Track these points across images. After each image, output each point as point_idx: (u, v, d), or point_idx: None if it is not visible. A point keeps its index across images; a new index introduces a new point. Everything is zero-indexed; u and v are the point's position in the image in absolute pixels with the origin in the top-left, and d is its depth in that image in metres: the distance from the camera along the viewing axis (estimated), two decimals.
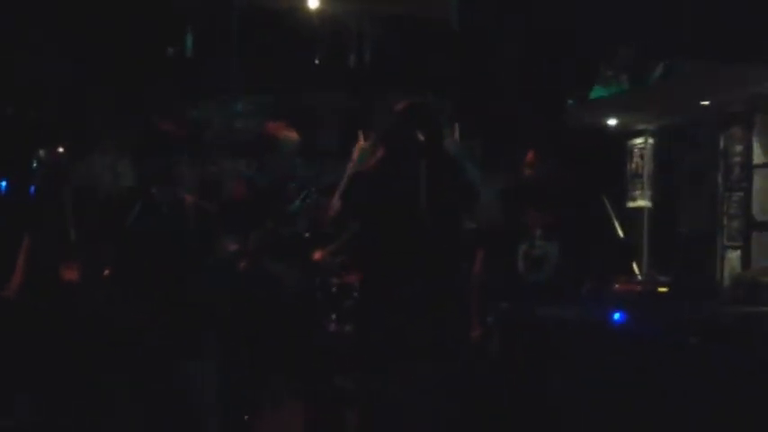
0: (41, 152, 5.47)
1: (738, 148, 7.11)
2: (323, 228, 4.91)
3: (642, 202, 7.96)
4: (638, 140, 8.11)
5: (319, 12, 6.85)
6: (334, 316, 5.50)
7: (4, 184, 5.92)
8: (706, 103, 6.98)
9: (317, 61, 6.91)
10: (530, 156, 4.96)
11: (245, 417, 4.74)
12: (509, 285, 4.68)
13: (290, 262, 4.68)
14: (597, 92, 7.46)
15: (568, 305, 4.54)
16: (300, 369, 4.76)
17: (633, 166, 8.13)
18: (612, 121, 7.80)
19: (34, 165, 5.47)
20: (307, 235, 4.75)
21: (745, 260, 6.93)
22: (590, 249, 4.91)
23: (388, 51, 7.08)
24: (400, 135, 4.27)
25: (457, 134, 4.50)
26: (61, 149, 5.48)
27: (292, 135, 4.77)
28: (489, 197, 5.22)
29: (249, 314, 4.58)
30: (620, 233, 6.31)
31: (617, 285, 5.74)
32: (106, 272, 4.34)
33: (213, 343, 4.37)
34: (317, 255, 4.95)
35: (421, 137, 4.31)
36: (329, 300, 5.51)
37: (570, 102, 7.61)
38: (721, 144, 7.25)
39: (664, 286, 5.93)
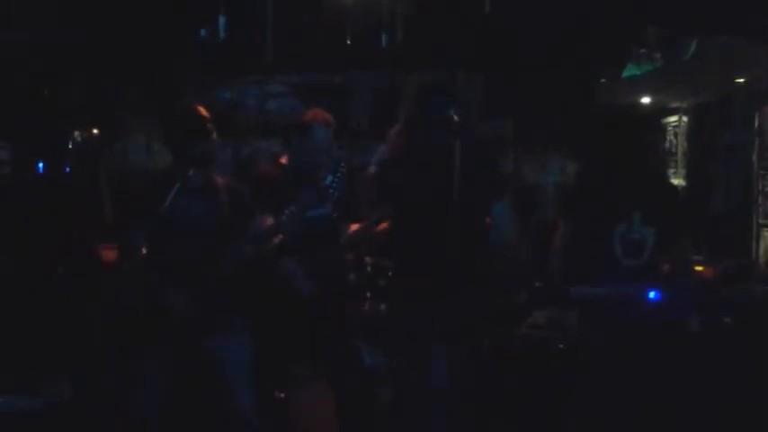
0: (77, 134, 5.55)
1: None
2: (356, 207, 4.94)
3: (676, 181, 7.91)
4: (672, 119, 8.06)
5: None
6: (368, 294, 5.54)
7: (41, 165, 5.99)
8: (741, 80, 6.91)
9: (348, 41, 6.88)
10: (608, 130, 4.82)
11: (278, 393, 4.80)
12: (605, 269, 4.51)
13: (321, 242, 4.70)
14: (630, 70, 7.40)
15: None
16: (332, 348, 4.80)
17: (667, 144, 8.09)
18: (646, 100, 7.74)
19: (70, 146, 5.55)
20: (335, 215, 4.77)
21: None
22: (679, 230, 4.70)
23: (419, 30, 7.05)
24: (428, 114, 4.25)
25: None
26: (96, 131, 5.55)
27: (329, 121, 4.79)
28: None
29: (280, 293, 4.62)
30: None
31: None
32: (143, 252, 4.40)
33: (245, 319, 4.42)
34: (353, 227, 4.97)
35: (452, 116, 4.31)
36: (364, 278, 5.55)
37: (602, 80, 7.57)
38: (756, 122, 7.18)
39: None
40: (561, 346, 4.91)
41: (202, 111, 4.41)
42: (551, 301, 5.19)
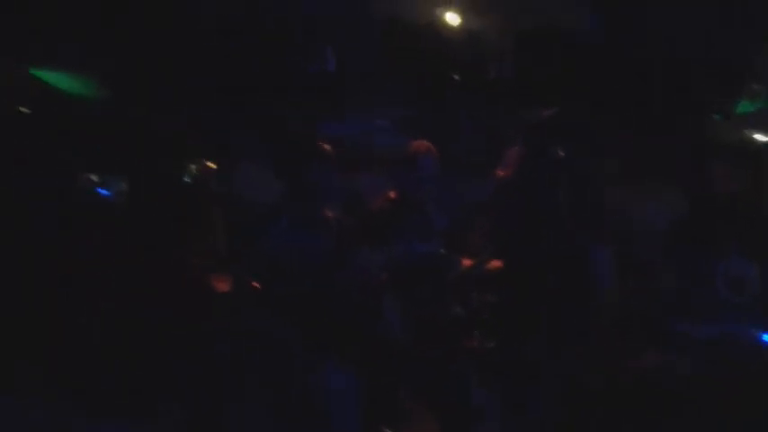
0: (192, 166, 5.70)
1: None
2: (469, 246, 4.92)
3: None
4: None
5: (458, 26, 6.87)
6: (477, 332, 5.50)
7: (156, 195, 6.14)
8: None
9: (455, 75, 6.92)
10: (721, 168, 4.74)
11: (384, 428, 4.80)
12: (708, 305, 4.48)
13: (427, 278, 4.70)
14: (744, 107, 7.24)
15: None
16: (439, 383, 4.78)
17: None
18: (759, 136, 7.55)
19: (185, 179, 5.70)
20: (443, 251, 4.77)
21: None
22: None
23: (527, 64, 7.04)
24: (538, 148, 4.23)
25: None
26: (211, 163, 5.69)
27: (433, 153, 4.80)
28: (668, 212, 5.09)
29: (385, 328, 4.64)
30: None
31: None
32: (253, 283, 4.48)
33: (351, 353, 4.45)
34: (465, 263, 4.95)
35: (560, 151, 4.28)
36: (472, 314, 5.52)
37: (716, 116, 7.41)
38: None
39: None
40: (672, 387, 4.80)
41: (318, 143, 4.48)
42: (662, 341, 5.08)
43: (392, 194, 4.91)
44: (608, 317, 4.16)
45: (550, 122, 4.34)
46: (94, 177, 5.93)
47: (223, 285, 4.83)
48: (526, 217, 4.21)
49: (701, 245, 4.52)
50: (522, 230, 4.23)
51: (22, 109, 5.85)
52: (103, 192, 5.93)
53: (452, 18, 6.81)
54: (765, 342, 4.34)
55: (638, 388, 4.76)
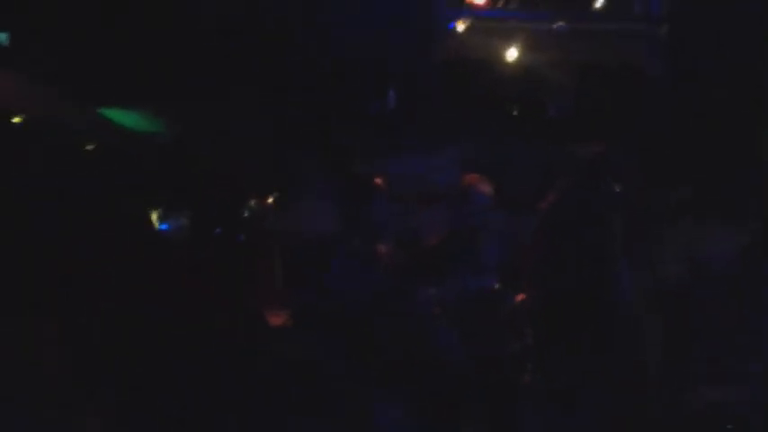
0: (252, 202, 5.80)
1: None
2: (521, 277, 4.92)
3: None
4: None
5: (517, 62, 6.90)
6: (530, 364, 5.47)
7: (218, 231, 6.26)
8: None
9: (515, 112, 6.94)
10: None
11: None
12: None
13: (481, 313, 4.71)
14: None
15: None
16: (495, 419, 4.77)
17: None
18: None
19: (245, 214, 5.81)
20: (497, 286, 4.77)
21: None
22: None
23: (586, 100, 7.03)
24: (588, 185, 4.22)
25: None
26: (270, 199, 5.78)
27: (487, 188, 4.82)
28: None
29: (438, 362, 4.64)
30: None
31: None
32: (309, 317, 4.54)
33: (404, 388, 4.46)
34: (519, 297, 4.94)
35: (616, 187, 4.27)
36: (526, 349, 5.49)
37: None
38: None
39: None
40: (730, 427, 4.72)
41: (375, 180, 4.54)
42: (719, 377, 5.00)
43: (447, 231, 4.94)
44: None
45: (602, 158, 4.33)
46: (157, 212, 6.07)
47: (278, 320, 4.90)
48: (566, 251, 4.20)
49: (758, 278, 4.45)
50: (562, 264, 4.22)
51: (90, 147, 6.02)
52: (164, 226, 6.06)
53: (511, 55, 6.85)
54: None
55: (694, 423, 4.70)
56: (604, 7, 6.90)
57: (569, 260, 4.09)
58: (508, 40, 6.89)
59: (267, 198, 5.81)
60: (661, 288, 4.62)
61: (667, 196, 6.74)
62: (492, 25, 6.93)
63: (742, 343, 4.53)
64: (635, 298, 4.04)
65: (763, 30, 6.14)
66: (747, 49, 6.36)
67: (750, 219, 5.74)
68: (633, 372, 4.11)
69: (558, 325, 4.33)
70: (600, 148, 4.52)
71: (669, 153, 6.70)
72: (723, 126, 6.72)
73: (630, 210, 4.37)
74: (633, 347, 4.01)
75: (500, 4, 7.01)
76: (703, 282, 6.22)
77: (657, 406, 4.74)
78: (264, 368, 4.95)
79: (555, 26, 6.86)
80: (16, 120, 5.73)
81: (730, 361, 4.57)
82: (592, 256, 4.01)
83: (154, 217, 6.03)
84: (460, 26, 6.95)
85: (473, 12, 6.95)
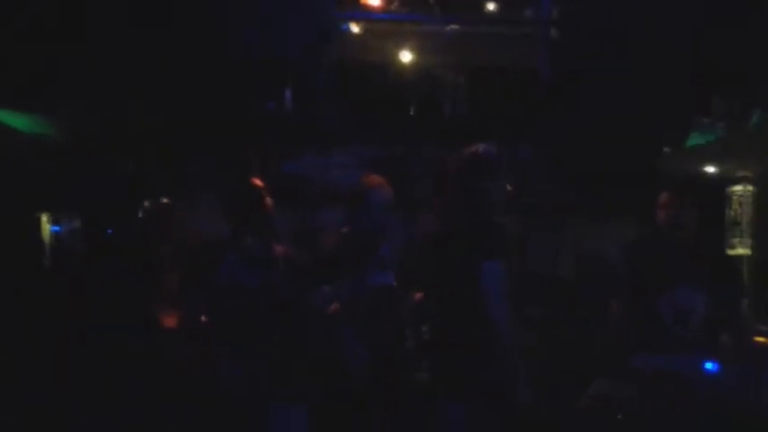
0: (146, 203, 5.72)
1: None
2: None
3: (741, 251, 7.79)
4: (738, 188, 7.95)
5: (412, 64, 6.98)
6: (426, 363, 5.52)
7: (109, 232, 6.17)
8: None
9: (410, 112, 7.02)
10: (665, 198, 4.80)
11: None
12: (654, 336, 4.52)
13: (379, 312, 4.73)
14: (693, 139, 7.37)
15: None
16: (391, 418, 4.79)
17: (732, 213, 7.97)
18: (710, 169, 7.67)
19: (139, 215, 5.72)
20: (394, 284, 4.80)
21: None
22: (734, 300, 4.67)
23: (481, 101, 7.16)
24: (463, 186, 4.21)
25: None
26: (164, 200, 5.71)
27: (386, 189, 4.83)
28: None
29: (339, 362, 4.65)
30: None
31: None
32: (203, 320, 4.49)
33: (304, 389, 4.46)
34: (417, 296, 4.98)
35: (507, 187, 4.31)
36: (421, 347, 5.54)
37: (665, 149, 7.54)
38: None
39: None
40: (620, 416, 4.85)
41: (256, 181, 4.52)
42: (612, 371, 5.14)
43: (345, 230, 4.94)
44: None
45: (494, 158, 4.37)
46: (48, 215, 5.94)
47: (171, 321, 4.84)
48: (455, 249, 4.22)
49: (649, 277, 4.59)
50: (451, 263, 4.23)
51: None
52: (55, 228, 5.93)
53: (405, 56, 6.93)
54: (709, 372, 4.40)
55: (588, 415, 4.81)
56: (496, 11, 7.03)
57: (458, 259, 4.12)
58: (402, 42, 6.97)
59: (161, 199, 5.73)
60: (549, 284, 4.72)
61: (558, 195, 6.91)
62: (386, 27, 7.00)
63: (629, 337, 4.66)
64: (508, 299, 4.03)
65: (651, 31, 6.34)
66: (635, 51, 6.56)
67: (637, 218, 5.91)
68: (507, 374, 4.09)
69: (449, 325, 4.37)
70: (492, 148, 4.56)
71: (560, 153, 6.86)
72: (612, 127, 6.93)
73: (522, 209, 4.44)
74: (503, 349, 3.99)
75: (394, 7, 7.08)
76: (591, 278, 6.40)
77: (546, 403, 4.85)
78: (157, 370, 4.90)
79: (448, 29, 6.97)
80: None
81: (618, 355, 4.69)
82: (480, 255, 4.03)
83: (44, 219, 5.91)
84: (355, 28, 7.00)
85: (368, 14, 7.01)
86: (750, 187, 7.85)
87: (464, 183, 4.20)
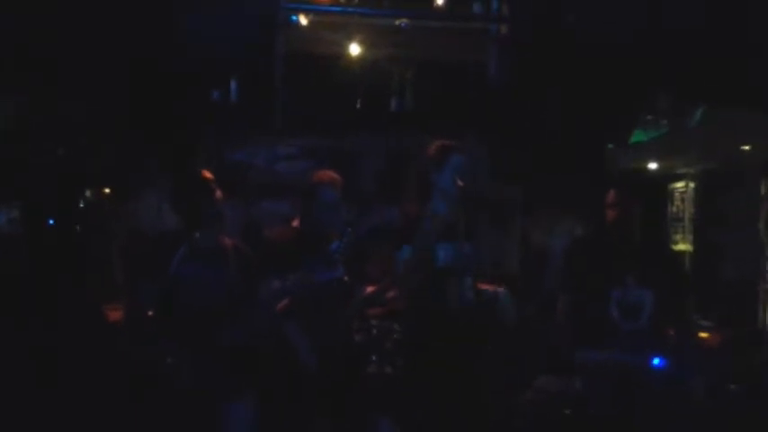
0: (88, 193, 5.62)
1: None
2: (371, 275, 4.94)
3: (683, 246, 7.93)
4: (679, 184, 8.10)
5: (360, 57, 6.95)
6: (374, 357, 5.52)
7: (51, 222, 6.04)
8: (747, 147, 6.97)
9: (358, 105, 6.99)
10: (612, 196, 4.84)
11: None
12: (602, 333, 4.53)
13: (329, 306, 4.71)
14: (637, 136, 7.46)
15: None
16: (341, 412, 4.77)
17: (674, 209, 8.12)
18: (653, 165, 7.80)
19: (81, 205, 5.61)
20: (346, 278, 4.78)
21: None
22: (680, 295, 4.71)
23: (428, 95, 7.16)
24: (428, 179, 4.23)
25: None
26: (107, 191, 5.61)
27: (337, 184, 4.81)
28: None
29: (289, 357, 4.62)
30: None
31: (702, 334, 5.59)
32: (149, 314, 4.41)
33: (252, 386, 4.42)
34: (369, 290, 4.96)
35: (460, 182, 4.33)
36: (370, 341, 5.54)
37: (610, 145, 7.63)
38: (762, 189, 7.22)
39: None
40: (567, 412, 4.88)
41: (206, 173, 4.46)
42: (558, 367, 5.17)
43: (294, 223, 4.90)
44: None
45: (444, 152, 4.39)
46: None
47: (116, 314, 4.76)
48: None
49: (597, 271, 4.62)
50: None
51: None
52: None
53: (354, 49, 6.90)
54: (656, 368, 4.45)
55: (533, 412, 4.83)
56: (445, 5, 7.03)
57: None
58: (351, 35, 6.93)
59: (104, 190, 5.63)
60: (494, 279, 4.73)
61: (507, 191, 6.95)
62: (335, 20, 6.96)
63: (579, 333, 4.68)
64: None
65: (596, 28, 6.38)
66: (582, 48, 6.60)
67: (585, 213, 5.96)
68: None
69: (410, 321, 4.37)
70: (442, 142, 4.57)
71: (510, 149, 6.90)
72: (561, 122, 6.98)
73: (471, 203, 4.45)
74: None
75: (343, 0, 7.04)
76: (537, 274, 6.44)
77: (494, 400, 4.88)
78: (103, 364, 4.81)
79: (397, 23, 6.95)
80: None
81: (568, 351, 4.71)
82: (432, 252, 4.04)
83: None
84: (303, 20, 6.94)
85: (316, 6, 6.96)
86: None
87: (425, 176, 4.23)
